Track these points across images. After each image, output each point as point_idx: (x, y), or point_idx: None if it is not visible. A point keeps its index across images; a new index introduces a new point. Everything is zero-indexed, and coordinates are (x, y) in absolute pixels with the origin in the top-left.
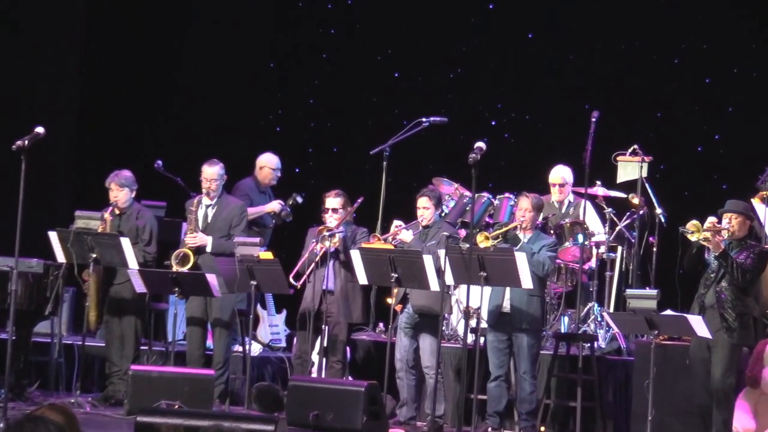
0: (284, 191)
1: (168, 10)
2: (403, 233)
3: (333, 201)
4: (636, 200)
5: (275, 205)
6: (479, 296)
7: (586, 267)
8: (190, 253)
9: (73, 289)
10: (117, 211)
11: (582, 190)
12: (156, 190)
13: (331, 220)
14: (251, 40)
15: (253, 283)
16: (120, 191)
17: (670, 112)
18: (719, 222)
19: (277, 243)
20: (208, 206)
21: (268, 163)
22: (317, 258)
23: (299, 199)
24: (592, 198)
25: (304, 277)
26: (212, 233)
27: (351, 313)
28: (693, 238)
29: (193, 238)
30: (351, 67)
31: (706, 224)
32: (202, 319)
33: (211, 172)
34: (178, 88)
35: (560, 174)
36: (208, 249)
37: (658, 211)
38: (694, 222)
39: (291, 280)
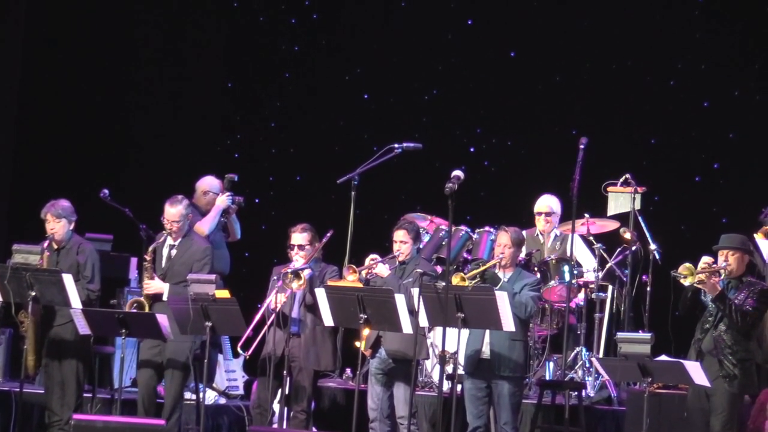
0: (244, 221)
1: (115, 27)
2: (379, 267)
3: (299, 237)
4: (628, 235)
5: (224, 200)
6: (456, 340)
7: (573, 305)
8: (146, 303)
9: (10, 331)
10: (54, 246)
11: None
12: (101, 222)
13: (297, 258)
14: (205, 57)
15: (208, 324)
16: (57, 223)
17: (665, 139)
18: (715, 261)
19: (236, 281)
20: (171, 247)
21: (212, 189)
22: (271, 317)
23: (235, 178)
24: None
25: (260, 335)
26: (171, 278)
27: (319, 360)
28: (686, 282)
29: (147, 285)
30: (316, 87)
31: (700, 265)
32: (157, 363)
33: (173, 213)
34: (126, 109)
35: (546, 203)
36: (165, 298)
37: (652, 246)
38: (687, 265)
39: (239, 348)
